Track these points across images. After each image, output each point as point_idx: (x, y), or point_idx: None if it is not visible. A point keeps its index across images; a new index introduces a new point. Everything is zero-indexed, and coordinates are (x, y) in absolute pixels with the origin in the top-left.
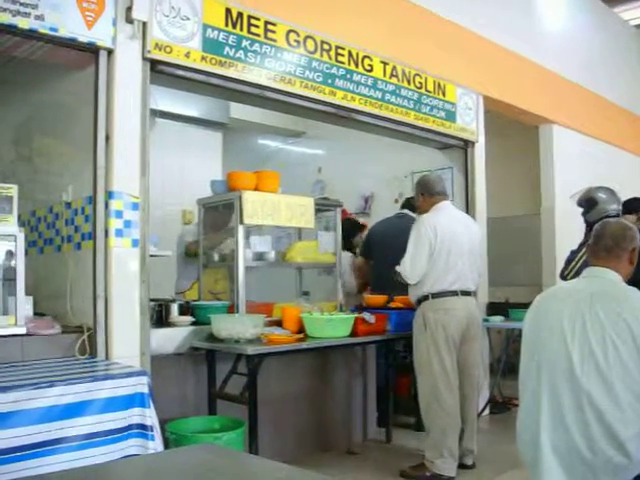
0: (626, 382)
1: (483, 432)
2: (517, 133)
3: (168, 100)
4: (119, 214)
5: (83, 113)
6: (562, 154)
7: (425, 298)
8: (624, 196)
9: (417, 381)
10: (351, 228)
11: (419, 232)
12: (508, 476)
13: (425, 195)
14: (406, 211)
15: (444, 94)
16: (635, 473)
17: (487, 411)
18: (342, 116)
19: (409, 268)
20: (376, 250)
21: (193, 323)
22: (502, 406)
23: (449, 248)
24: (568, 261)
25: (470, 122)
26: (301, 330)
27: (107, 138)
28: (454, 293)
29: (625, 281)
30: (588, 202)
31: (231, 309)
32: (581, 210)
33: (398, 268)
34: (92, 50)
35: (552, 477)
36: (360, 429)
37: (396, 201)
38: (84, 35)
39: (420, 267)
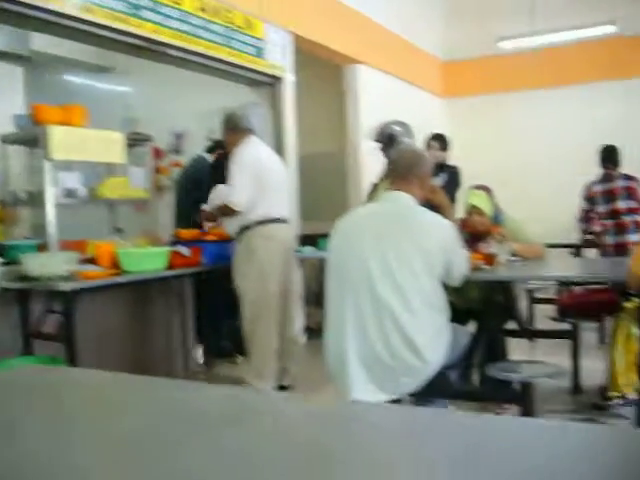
0: (419, 293)
1: (299, 356)
2: (326, 72)
3: None
4: None
5: None
6: (368, 94)
7: (249, 226)
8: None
9: (240, 307)
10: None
11: (240, 163)
12: (321, 392)
13: (232, 130)
14: (203, 154)
15: (253, 31)
16: (429, 373)
17: (303, 338)
18: (152, 50)
19: (237, 197)
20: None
21: (4, 264)
22: (316, 333)
23: (267, 177)
24: (370, 192)
25: (279, 59)
26: (117, 267)
27: None
28: (275, 220)
29: (419, 203)
30: (386, 137)
31: (42, 248)
32: (380, 146)
33: (207, 206)
34: None
35: (358, 384)
36: (181, 360)
37: (207, 139)
38: None
39: (247, 195)
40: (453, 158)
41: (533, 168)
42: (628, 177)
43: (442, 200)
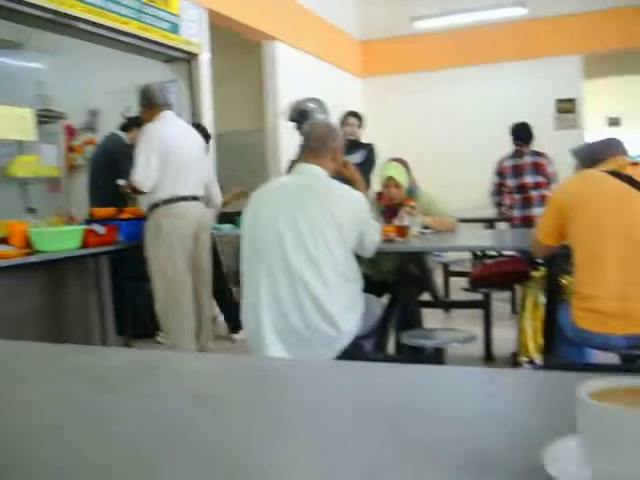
0: (332, 264)
1: (220, 334)
2: (243, 49)
3: None
4: None
5: None
6: (285, 71)
7: (157, 205)
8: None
9: (152, 286)
10: None
11: (146, 141)
12: None
13: (147, 106)
14: (117, 132)
15: (168, 6)
16: (344, 343)
17: (222, 316)
18: (61, 23)
19: (141, 177)
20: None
21: None
22: (236, 309)
23: (176, 155)
24: (287, 168)
25: (195, 35)
26: (29, 247)
27: None
28: (184, 198)
29: (331, 177)
30: (300, 114)
31: None
32: (295, 125)
33: (123, 181)
34: None
35: (274, 354)
36: (100, 342)
37: (122, 116)
38: None
39: (152, 174)
40: (371, 136)
41: (449, 145)
42: (537, 153)
43: (353, 174)
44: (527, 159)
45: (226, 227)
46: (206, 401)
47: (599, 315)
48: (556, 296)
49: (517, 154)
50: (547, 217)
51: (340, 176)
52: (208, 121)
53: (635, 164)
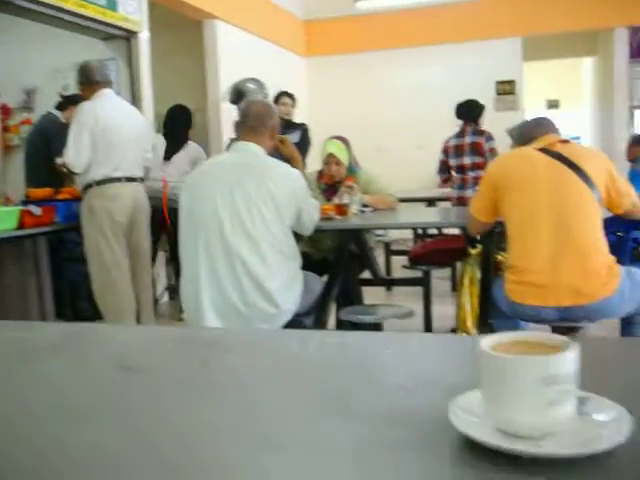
0: (270, 241)
1: (164, 316)
2: (184, 27)
3: None
4: None
5: None
6: (227, 51)
7: (90, 186)
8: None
9: (89, 268)
10: None
11: (80, 119)
12: None
13: (85, 83)
14: (53, 111)
15: None
16: (284, 320)
17: (166, 297)
18: None
19: (73, 157)
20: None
21: None
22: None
23: (112, 134)
24: (227, 147)
25: (133, 12)
26: None
27: None
28: (118, 179)
29: (269, 154)
30: (238, 95)
31: None
32: (236, 107)
33: (60, 160)
34: None
35: None
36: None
37: (60, 95)
38: None
39: (84, 155)
40: (314, 116)
41: (390, 126)
42: (477, 132)
43: (292, 152)
44: (467, 139)
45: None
46: (132, 370)
47: (531, 287)
48: (491, 272)
49: (460, 133)
50: (481, 193)
51: (278, 154)
52: (147, 100)
53: (565, 141)
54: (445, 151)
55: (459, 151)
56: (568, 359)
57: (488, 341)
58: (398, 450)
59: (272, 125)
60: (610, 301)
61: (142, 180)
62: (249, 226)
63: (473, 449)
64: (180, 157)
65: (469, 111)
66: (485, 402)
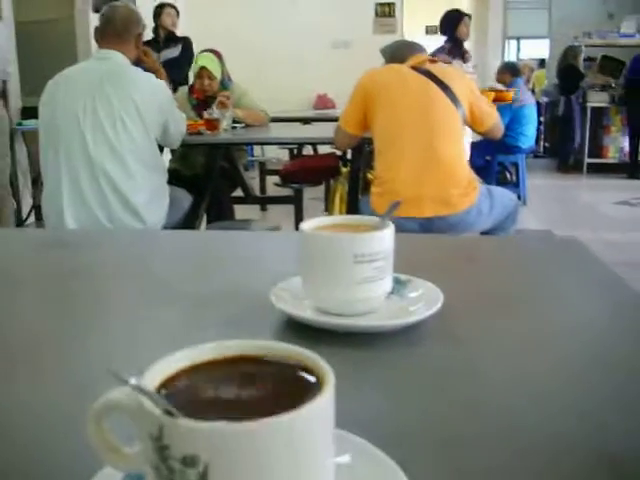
0: (135, 154)
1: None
2: None
3: None
4: None
5: None
6: None
7: None
8: None
9: None
10: None
11: None
12: None
13: None
14: None
15: None
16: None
17: (32, 218)
18: None
19: None
20: None
21: None
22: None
23: None
24: None
25: None
26: None
27: None
28: None
29: (132, 63)
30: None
31: None
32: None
33: None
34: None
35: None
36: None
37: None
38: None
39: None
40: (192, 28)
41: (272, 41)
42: None
43: (154, 63)
44: None
45: (30, 122)
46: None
47: (395, 199)
48: (359, 188)
49: None
50: (352, 104)
51: (141, 65)
52: (6, 9)
53: (433, 61)
54: None
55: None
56: (378, 237)
57: (310, 223)
58: (220, 328)
59: (138, 33)
60: (469, 213)
61: None
62: (112, 138)
63: (294, 327)
64: None
65: None
66: (303, 282)
